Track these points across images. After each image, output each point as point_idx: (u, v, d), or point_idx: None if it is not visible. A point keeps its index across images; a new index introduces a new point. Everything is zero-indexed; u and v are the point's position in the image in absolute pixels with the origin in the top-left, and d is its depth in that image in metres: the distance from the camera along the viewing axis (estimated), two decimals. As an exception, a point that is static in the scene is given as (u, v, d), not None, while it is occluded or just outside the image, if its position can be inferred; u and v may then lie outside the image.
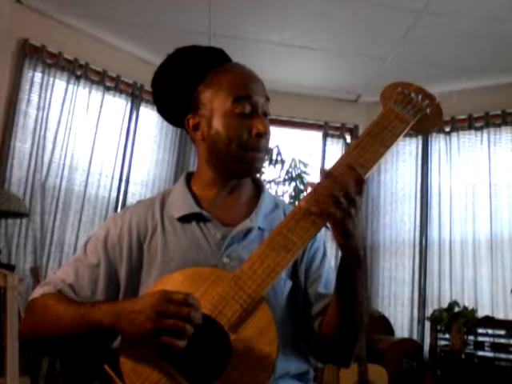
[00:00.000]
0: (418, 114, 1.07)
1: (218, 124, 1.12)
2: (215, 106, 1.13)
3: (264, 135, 1.12)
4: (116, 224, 1.16)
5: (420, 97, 1.09)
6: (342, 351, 1.10)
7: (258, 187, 1.23)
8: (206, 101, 1.14)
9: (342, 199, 0.89)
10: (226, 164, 1.14)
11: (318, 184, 0.93)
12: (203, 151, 1.17)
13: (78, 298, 1.09)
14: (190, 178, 1.23)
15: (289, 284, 1.11)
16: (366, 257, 1.00)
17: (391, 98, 1.08)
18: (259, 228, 1.14)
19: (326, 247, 1.23)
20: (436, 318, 3.67)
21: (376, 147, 1.02)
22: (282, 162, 4.17)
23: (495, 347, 3.49)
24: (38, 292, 1.11)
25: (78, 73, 3.75)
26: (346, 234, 0.93)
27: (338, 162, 1.01)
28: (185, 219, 1.14)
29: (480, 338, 3.56)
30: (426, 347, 3.81)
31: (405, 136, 1.09)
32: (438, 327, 3.67)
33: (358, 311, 1.03)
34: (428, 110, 1.08)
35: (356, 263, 0.98)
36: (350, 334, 1.06)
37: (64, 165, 3.64)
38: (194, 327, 0.88)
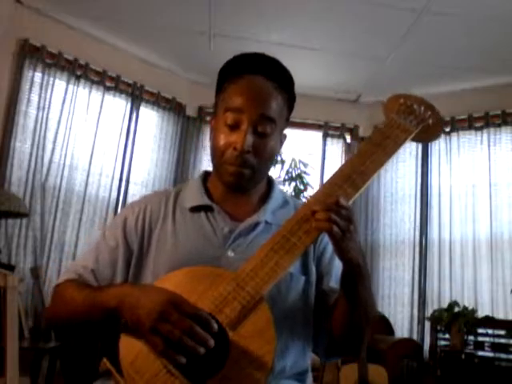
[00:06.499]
0: (420, 125, 1.10)
1: (214, 132, 1.16)
2: (217, 114, 1.17)
3: (241, 151, 1.09)
4: (133, 210, 1.20)
5: (422, 108, 1.12)
6: (351, 344, 1.14)
7: (270, 185, 1.25)
8: (218, 107, 1.18)
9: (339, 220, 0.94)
10: (216, 171, 1.18)
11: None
12: None
13: (100, 282, 1.14)
14: (207, 175, 1.26)
15: (302, 280, 1.13)
16: (365, 263, 1.05)
17: (394, 109, 1.11)
18: (266, 222, 1.15)
19: None
20: (436, 318, 3.67)
21: (378, 155, 1.05)
22: (282, 162, 4.18)
23: (495, 347, 3.49)
24: (61, 278, 1.17)
25: (78, 73, 3.75)
26: (345, 249, 0.98)
27: (338, 171, 1.04)
28: (195, 210, 1.17)
29: (480, 338, 3.56)
30: (426, 347, 3.82)
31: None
32: (438, 327, 3.68)
33: (362, 309, 1.07)
34: (430, 121, 1.11)
35: (356, 272, 1.02)
36: (356, 329, 1.09)
37: (64, 165, 3.64)
38: (199, 344, 0.87)
